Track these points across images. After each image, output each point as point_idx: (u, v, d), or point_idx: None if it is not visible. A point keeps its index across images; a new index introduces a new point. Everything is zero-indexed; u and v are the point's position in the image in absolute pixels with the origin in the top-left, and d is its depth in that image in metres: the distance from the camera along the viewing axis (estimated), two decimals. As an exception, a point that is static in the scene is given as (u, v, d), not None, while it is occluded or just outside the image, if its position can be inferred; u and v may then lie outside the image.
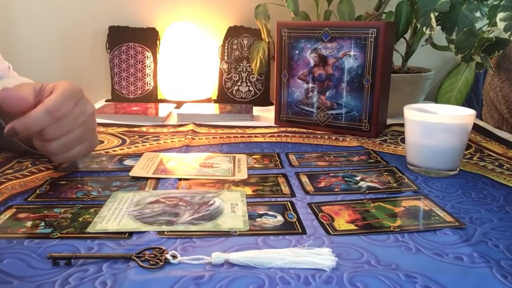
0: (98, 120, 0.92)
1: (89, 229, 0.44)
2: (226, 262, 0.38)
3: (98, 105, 1.09)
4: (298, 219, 0.47)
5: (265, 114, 1.02)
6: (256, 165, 0.65)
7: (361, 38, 0.78)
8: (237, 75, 1.16)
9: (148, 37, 1.16)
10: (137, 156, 0.68)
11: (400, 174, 0.61)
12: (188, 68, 1.13)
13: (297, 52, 0.85)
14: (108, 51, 1.17)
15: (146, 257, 0.38)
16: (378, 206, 0.50)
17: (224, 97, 1.16)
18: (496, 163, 0.66)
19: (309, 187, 0.56)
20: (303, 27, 0.84)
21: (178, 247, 0.41)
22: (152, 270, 0.37)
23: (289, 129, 0.87)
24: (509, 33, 0.70)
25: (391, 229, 0.45)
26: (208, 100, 1.18)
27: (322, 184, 0.57)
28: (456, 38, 0.80)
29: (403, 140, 0.77)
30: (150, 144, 0.76)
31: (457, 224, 0.46)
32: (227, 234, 0.43)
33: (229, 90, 1.16)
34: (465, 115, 0.60)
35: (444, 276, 0.36)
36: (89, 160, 0.66)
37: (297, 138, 0.81)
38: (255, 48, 1.10)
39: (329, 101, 0.84)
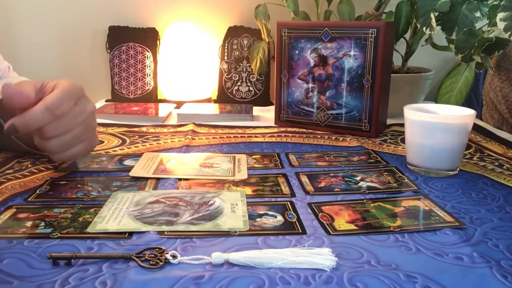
0: (98, 120, 0.91)
1: (89, 229, 0.44)
2: (226, 262, 0.38)
3: (98, 105, 1.09)
4: (298, 219, 0.47)
5: (265, 114, 1.02)
6: (256, 165, 0.65)
7: (361, 38, 0.78)
8: (237, 75, 1.16)
9: (148, 37, 1.16)
10: (137, 156, 0.68)
11: (400, 174, 0.61)
12: (188, 68, 1.13)
13: (297, 52, 0.85)
14: (108, 51, 1.17)
15: (146, 257, 0.38)
16: (378, 206, 0.50)
17: (224, 97, 1.16)
18: (496, 163, 0.66)
19: (309, 187, 0.56)
20: (303, 27, 0.84)
21: (178, 247, 0.41)
22: (152, 270, 0.37)
23: (289, 129, 0.87)
24: (509, 33, 0.70)
25: (391, 229, 0.45)
26: (208, 100, 1.18)
27: (322, 184, 0.57)
28: (456, 38, 0.80)
29: (403, 140, 0.77)
30: (150, 144, 0.76)
31: (457, 224, 0.46)
32: (227, 234, 0.43)
33: (229, 90, 1.16)
34: (465, 115, 0.60)
35: (444, 276, 0.36)
36: (89, 160, 0.66)
37: (297, 138, 0.81)
38: (255, 48, 1.10)
39: (329, 101, 0.84)
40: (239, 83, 1.15)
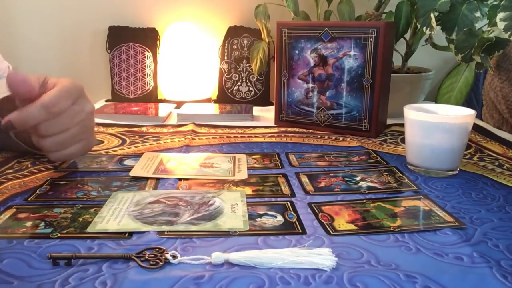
0: (99, 120, 0.92)
1: (89, 229, 0.44)
2: (226, 262, 0.38)
3: (98, 105, 1.09)
4: (298, 219, 0.47)
5: (265, 114, 1.02)
6: (256, 165, 0.65)
7: (361, 38, 0.78)
8: (237, 75, 1.16)
9: (148, 37, 1.16)
10: (137, 156, 0.68)
11: (400, 174, 0.61)
12: (188, 68, 1.13)
13: (297, 52, 0.85)
14: (108, 51, 1.17)
15: (146, 257, 0.38)
16: (378, 206, 0.50)
17: (224, 97, 1.16)
18: (496, 163, 0.66)
19: (309, 187, 0.56)
20: (303, 27, 0.84)
21: (178, 247, 0.41)
22: (152, 270, 0.37)
23: (289, 129, 0.87)
24: (509, 33, 0.70)
25: (391, 229, 0.45)
26: (208, 100, 1.18)
27: (322, 184, 0.57)
28: (456, 38, 0.80)
29: (403, 140, 0.77)
30: (150, 144, 0.76)
31: (457, 224, 0.46)
32: (227, 234, 0.43)
33: (229, 90, 1.16)
34: (465, 115, 0.60)
35: (444, 276, 0.36)
36: (89, 160, 0.66)
37: (297, 138, 0.81)
38: (255, 48, 1.10)
39: (329, 101, 0.84)
40: (239, 83, 1.15)
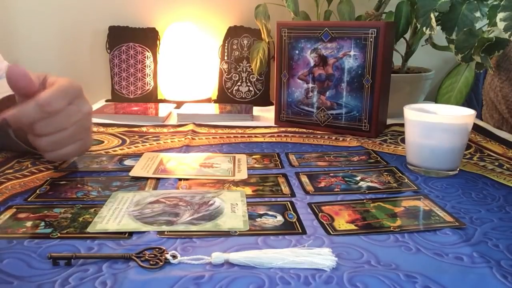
0: (99, 120, 0.92)
1: (89, 229, 0.44)
2: (226, 262, 0.38)
3: (98, 105, 1.09)
4: (298, 219, 0.47)
5: (265, 114, 1.02)
6: (256, 165, 0.65)
7: (361, 38, 0.78)
8: (237, 75, 1.16)
9: (148, 37, 1.16)
10: (137, 156, 0.68)
11: (400, 174, 0.61)
12: (188, 68, 1.13)
13: (297, 52, 0.85)
14: (108, 51, 1.17)
15: (146, 257, 0.38)
16: (378, 206, 0.50)
17: (224, 97, 1.16)
18: (496, 163, 0.66)
19: (309, 187, 0.56)
20: (303, 27, 0.84)
21: (178, 247, 0.41)
22: (152, 270, 0.37)
23: (289, 129, 0.87)
24: (509, 33, 0.70)
25: (391, 229, 0.45)
26: (208, 100, 1.18)
27: (322, 184, 0.57)
28: (456, 38, 0.80)
29: (403, 140, 0.77)
30: (150, 144, 0.76)
31: (457, 224, 0.46)
32: (227, 234, 0.43)
33: (229, 90, 1.16)
34: (465, 115, 0.60)
35: (444, 276, 0.36)
36: (89, 160, 0.66)
37: (297, 138, 0.81)
38: (255, 48, 1.10)
39: (329, 101, 0.84)
40: (239, 83, 1.15)
